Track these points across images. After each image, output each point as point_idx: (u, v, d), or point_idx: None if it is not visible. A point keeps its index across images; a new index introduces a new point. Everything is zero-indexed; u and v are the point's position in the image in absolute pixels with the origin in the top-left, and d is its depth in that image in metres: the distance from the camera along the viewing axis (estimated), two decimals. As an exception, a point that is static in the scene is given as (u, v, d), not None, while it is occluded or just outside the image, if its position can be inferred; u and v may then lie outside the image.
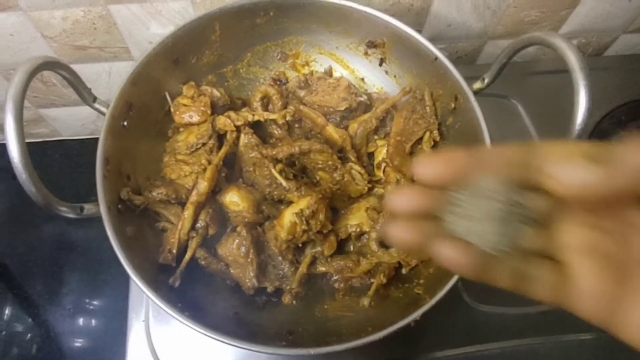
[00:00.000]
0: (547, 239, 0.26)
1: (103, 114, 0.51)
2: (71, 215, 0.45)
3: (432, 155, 0.28)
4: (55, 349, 0.81)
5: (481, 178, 0.25)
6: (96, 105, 0.52)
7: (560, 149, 0.24)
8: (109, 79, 0.76)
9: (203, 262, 0.56)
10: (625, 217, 0.24)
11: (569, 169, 0.22)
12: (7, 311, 0.84)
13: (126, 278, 0.66)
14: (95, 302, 0.84)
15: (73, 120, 0.88)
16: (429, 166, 0.26)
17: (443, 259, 0.25)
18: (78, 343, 0.81)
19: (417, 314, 0.46)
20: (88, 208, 0.46)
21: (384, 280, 0.55)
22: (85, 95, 0.51)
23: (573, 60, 0.43)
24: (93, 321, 0.82)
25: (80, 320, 0.83)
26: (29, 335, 0.82)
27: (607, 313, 0.24)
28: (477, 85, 0.54)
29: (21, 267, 0.86)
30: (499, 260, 0.25)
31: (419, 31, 0.58)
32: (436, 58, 0.55)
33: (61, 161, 0.91)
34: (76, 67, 0.51)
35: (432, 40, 0.56)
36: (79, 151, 0.93)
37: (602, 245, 0.24)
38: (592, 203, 0.24)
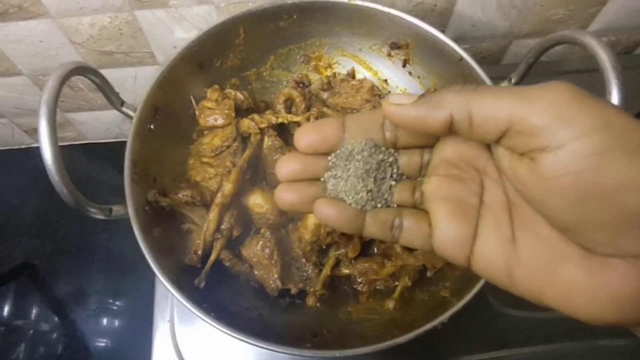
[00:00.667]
0: (415, 192, 0.29)
1: (130, 117, 0.52)
2: (100, 216, 0.46)
3: (308, 125, 0.30)
4: (81, 349, 0.82)
5: (348, 143, 0.29)
6: (124, 109, 0.52)
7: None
8: (134, 83, 0.78)
9: (227, 264, 0.56)
10: (481, 168, 0.27)
11: (394, 100, 0.26)
12: (34, 310, 0.86)
13: (151, 278, 0.67)
14: (120, 303, 0.85)
15: (99, 124, 0.90)
16: (306, 136, 0.29)
17: (321, 216, 0.28)
18: (103, 343, 0.83)
19: (444, 317, 0.45)
20: (116, 210, 0.47)
21: (409, 283, 0.54)
22: (114, 100, 0.52)
23: (605, 58, 0.41)
24: (118, 321, 0.84)
25: (106, 320, 0.84)
26: (55, 334, 0.84)
27: (463, 252, 0.27)
28: (504, 85, 0.53)
29: (49, 267, 0.88)
30: (370, 214, 0.29)
31: (443, 31, 0.57)
32: (461, 58, 0.54)
33: (87, 164, 0.93)
34: (103, 72, 0.52)
35: (456, 40, 0.56)
36: (104, 154, 0.94)
37: (456, 193, 0.27)
38: (452, 158, 0.28)
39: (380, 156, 0.29)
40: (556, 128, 0.21)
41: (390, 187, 0.29)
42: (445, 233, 0.27)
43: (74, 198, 0.41)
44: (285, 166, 0.29)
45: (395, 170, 0.29)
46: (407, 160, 0.30)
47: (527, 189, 0.24)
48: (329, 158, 0.29)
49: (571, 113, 0.21)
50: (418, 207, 0.29)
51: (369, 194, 0.29)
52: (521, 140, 0.23)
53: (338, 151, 0.29)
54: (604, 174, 0.21)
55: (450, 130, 0.25)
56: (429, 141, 0.29)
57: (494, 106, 0.23)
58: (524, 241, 0.25)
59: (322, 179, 0.29)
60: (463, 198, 0.27)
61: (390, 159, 0.29)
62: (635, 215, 0.21)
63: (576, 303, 0.23)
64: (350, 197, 0.29)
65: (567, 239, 0.24)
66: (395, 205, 0.29)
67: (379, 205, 0.29)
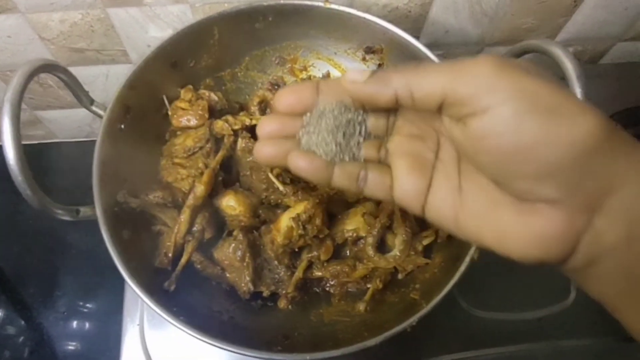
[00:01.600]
0: (380, 149, 0.32)
1: (100, 116, 0.51)
2: (67, 218, 0.45)
3: (286, 88, 0.33)
4: (49, 353, 0.80)
5: (321, 103, 0.32)
6: (94, 108, 0.51)
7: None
8: (106, 81, 0.76)
9: (199, 266, 0.55)
10: (437, 128, 0.31)
11: (350, 76, 0.30)
12: (0, 314, 0.83)
13: (121, 281, 0.65)
14: (89, 305, 0.83)
15: (69, 123, 0.88)
16: (284, 98, 0.32)
17: (293, 167, 0.31)
18: (72, 346, 0.81)
19: (413, 320, 0.46)
20: (84, 211, 0.46)
21: (380, 285, 0.55)
22: (83, 98, 0.51)
23: (570, 68, 0.43)
24: (87, 324, 0.82)
25: (74, 323, 0.82)
26: (22, 338, 0.82)
27: (419, 202, 0.31)
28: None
29: (15, 269, 0.85)
30: (339, 166, 0.32)
31: (417, 37, 0.58)
32: (434, 64, 0.55)
33: (57, 163, 0.91)
34: (73, 70, 0.51)
35: (429, 46, 0.56)
36: (75, 153, 0.92)
37: (415, 149, 0.31)
38: (414, 119, 0.32)
39: (350, 115, 0.32)
40: (481, 96, 0.25)
41: (359, 143, 0.32)
42: (404, 185, 0.31)
43: (38, 199, 0.40)
44: (266, 126, 0.33)
45: (363, 129, 0.32)
46: (375, 122, 0.33)
47: (463, 149, 0.28)
48: (304, 117, 0.32)
49: (494, 82, 0.24)
50: (383, 162, 0.33)
51: (338, 147, 0.32)
52: (455, 109, 0.26)
53: (312, 111, 0.32)
54: (521, 134, 0.24)
55: (397, 104, 0.29)
56: (391, 107, 0.32)
57: (430, 83, 0.27)
58: (467, 190, 0.29)
59: (297, 136, 0.32)
60: (421, 154, 0.31)
61: (359, 119, 0.32)
62: (549, 166, 0.24)
63: (508, 243, 0.27)
64: (320, 149, 0.32)
65: (501, 188, 0.27)
66: (362, 160, 0.32)
67: (347, 159, 0.32)
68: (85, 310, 0.83)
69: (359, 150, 0.32)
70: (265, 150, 0.32)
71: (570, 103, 0.24)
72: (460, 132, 0.27)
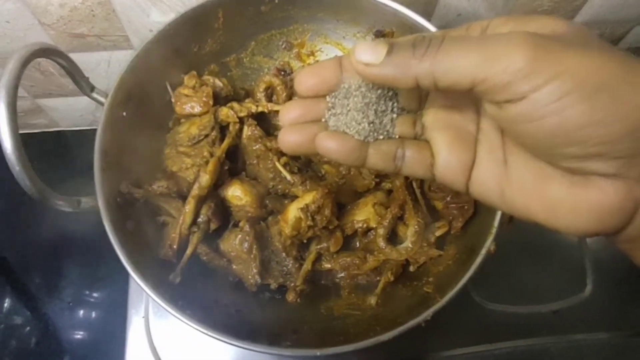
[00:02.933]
0: (415, 125, 0.30)
1: (101, 104, 0.49)
2: (68, 209, 0.43)
3: (307, 69, 0.31)
4: (54, 342, 0.80)
5: (346, 81, 0.29)
6: (94, 95, 0.50)
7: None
8: (108, 68, 0.74)
9: (205, 258, 0.54)
10: (474, 98, 0.28)
11: (361, 58, 0.26)
12: (6, 304, 0.83)
13: (126, 272, 0.64)
14: (94, 295, 0.83)
15: (71, 111, 0.87)
16: (306, 80, 0.30)
17: (323, 149, 0.29)
18: (77, 336, 0.81)
19: (427, 314, 0.44)
20: (85, 201, 0.45)
21: (392, 278, 0.53)
22: (83, 85, 0.49)
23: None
24: (92, 314, 0.81)
25: (80, 314, 0.82)
26: (28, 328, 0.82)
27: (463, 178, 0.29)
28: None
29: (20, 260, 0.85)
30: (373, 146, 0.29)
31: (429, 20, 0.56)
32: (447, 48, 0.53)
33: (60, 152, 0.90)
34: (74, 56, 0.49)
35: (441, 29, 0.54)
36: (77, 142, 0.91)
37: (455, 121, 0.29)
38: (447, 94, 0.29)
39: (379, 91, 0.29)
40: (517, 84, 0.23)
41: (392, 119, 0.30)
42: (447, 161, 0.29)
43: (37, 189, 0.39)
44: (288, 113, 0.30)
45: (395, 104, 0.30)
46: (407, 95, 0.30)
47: (501, 126, 0.27)
48: (328, 99, 0.30)
49: (531, 67, 0.22)
50: (419, 139, 0.30)
51: (371, 125, 0.29)
52: (488, 96, 0.24)
53: (336, 91, 0.30)
54: (566, 117, 0.22)
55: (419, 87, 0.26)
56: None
57: (457, 70, 0.24)
58: (513, 164, 0.27)
59: (322, 120, 0.30)
60: (462, 126, 0.29)
61: (390, 93, 0.30)
62: (600, 146, 0.23)
63: (559, 216, 0.25)
64: (352, 129, 0.29)
65: (549, 163, 0.26)
66: (397, 137, 0.30)
67: (381, 137, 0.30)
68: (90, 300, 0.82)
69: (393, 127, 0.30)
70: (290, 138, 0.30)
71: (617, 80, 0.22)
72: (496, 113, 0.25)
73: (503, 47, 0.23)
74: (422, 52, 0.25)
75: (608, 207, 0.24)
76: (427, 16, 0.68)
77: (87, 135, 0.91)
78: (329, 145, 0.29)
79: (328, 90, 0.30)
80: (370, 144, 0.29)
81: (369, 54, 0.26)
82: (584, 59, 0.22)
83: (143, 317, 0.61)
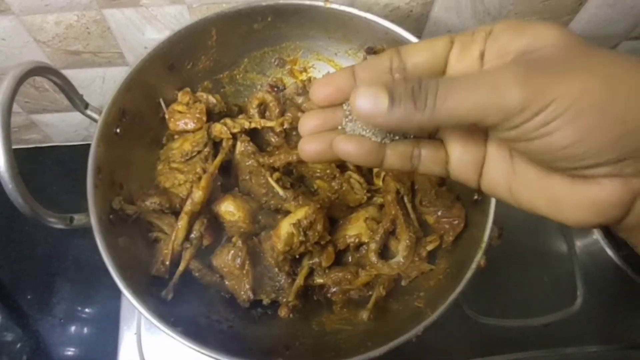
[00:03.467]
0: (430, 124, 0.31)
1: (95, 120, 0.50)
2: (60, 226, 0.43)
3: (321, 80, 0.32)
4: (45, 359, 0.79)
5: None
6: (88, 112, 0.50)
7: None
8: (102, 84, 0.75)
9: (197, 274, 0.54)
10: None
11: (365, 107, 0.27)
12: (-4, 320, 0.82)
13: (118, 288, 0.64)
14: (86, 312, 0.82)
15: (65, 126, 0.87)
16: (321, 90, 0.31)
17: (342, 152, 0.30)
18: (68, 353, 0.80)
19: (419, 329, 0.44)
20: (78, 218, 0.45)
21: (384, 293, 0.53)
22: (77, 102, 0.49)
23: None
24: (84, 331, 0.81)
25: (71, 330, 0.81)
26: (19, 344, 0.81)
27: (476, 174, 0.30)
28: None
29: (12, 276, 0.84)
30: (390, 147, 0.31)
31: (419, 37, 0.57)
32: (437, 65, 0.54)
33: (53, 168, 0.90)
34: (69, 73, 0.49)
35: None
36: (71, 158, 0.91)
37: None
38: None
39: None
40: (511, 120, 0.25)
41: None
42: (461, 158, 0.30)
43: (29, 207, 0.39)
44: (307, 122, 0.32)
45: None
46: None
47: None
48: (344, 107, 0.31)
49: (522, 106, 0.24)
50: (433, 138, 0.32)
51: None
52: (486, 126, 0.26)
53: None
54: (549, 140, 0.24)
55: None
56: None
57: (457, 117, 0.26)
58: (517, 159, 0.29)
59: (339, 127, 0.31)
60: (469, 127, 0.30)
61: None
62: (584, 160, 0.24)
63: (563, 210, 0.27)
64: (369, 132, 0.30)
65: None
66: (412, 137, 0.31)
67: (397, 138, 0.31)
68: (82, 316, 0.82)
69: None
70: (310, 147, 0.31)
71: (600, 99, 0.24)
72: (491, 132, 0.27)
73: (496, 91, 0.25)
74: (423, 105, 0.26)
75: (608, 200, 0.25)
76: (418, 33, 0.70)
77: (80, 151, 0.91)
78: (348, 148, 0.30)
79: (344, 98, 0.31)
80: (387, 145, 0.31)
81: (370, 105, 0.27)
82: (568, 86, 0.24)
83: (135, 333, 0.60)
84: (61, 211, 0.46)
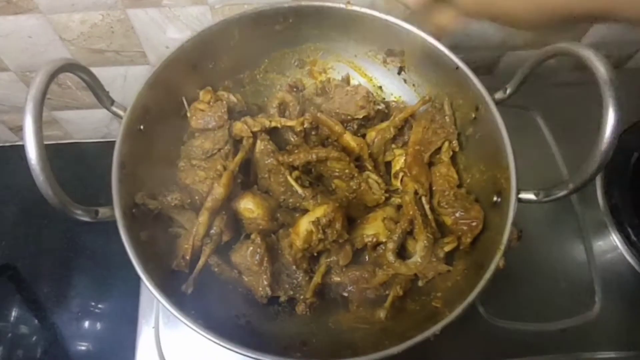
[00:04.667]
0: None
1: (120, 117, 0.51)
2: (86, 219, 0.44)
3: None
4: (61, 353, 0.80)
5: None
6: (114, 108, 0.51)
7: None
8: (124, 82, 0.76)
9: (216, 269, 0.55)
10: None
11: None
12: (14, 313, 0.83)
13: (136, 283, 0.65)
14: (103, 306, 0.83)
15: (86, 124, 0.88)
16: None
17: None
18: (85, 347, 0.81)
19: (436, 328, 0.44)
20: (103, 212, 0.46)
21: (401, 293, 0.53)
22: (104, 98, 0.50)
23: (602, 72, 0.41)
24: (101, 325, 0.82)
25: (88, 324, 0.82)
26: (35, 337, 0.82)
27: None
28: (499, 95, 0.53)
29: (30, 270, 0.86)
30: None
31: (438, 40, 0.57)
32: (457, 67, 0.54)
33: (73, 164, 0.91)
34: (92, 71, 0.50)
35: (450, 49, 0.55)
36: (91, 154, 0.93)
37: None
38: None
39: None
40: None
41: None
42: None
43: (59, 199, 0.40)
44: None
45: None
46: None
47: None
48: None
49: None
50: None
51: None
52: None
53: None
54: None
55: None
56: None
57: None
58: None
59: None
60: None
61: None
62: None
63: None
64: None
65: None
66: None
67: None
68: (99, 311, 0.83)
69: None
70: None
71: None
72: None
73: None
74: None
75: None
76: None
77: (100, 147, 0.92)
78: None
79: None
80: None
81: None
82: None
83: (153, 327, 0.61)
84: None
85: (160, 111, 0.56)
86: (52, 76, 0.41)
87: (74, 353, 0.80)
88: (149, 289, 0.45)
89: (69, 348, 0.81)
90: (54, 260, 0.86)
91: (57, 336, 0.81)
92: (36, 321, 0.83)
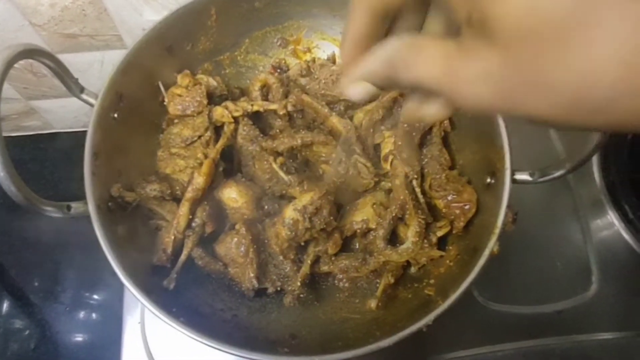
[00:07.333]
0: None
1: (91, 105, 0.48)
2: (57, 215, 0.42)
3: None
4: (52, 346, 0.79)
5: None
6: (84, 96, 0.48)
7: None
8: (101, 68, 0.73)
9: (200, 262, 0.53)
10: None
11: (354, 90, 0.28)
12: (4, 308, 0.82)
13: (122, 276, 0.64)
14: (91, 299, 0.82)
15: (65, 113, 0.85)
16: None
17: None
18: (75, 340, 0.80)
19: (429, 318, 0.43)
20: (75, 207, 0.44)
21: (392, 281, 0.52)
22: (72, 86, 0.48)
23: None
24: (90, 318, 0.81)
25: (77, 318, 0.81)
26: (27, 332, 0.81)
27: None
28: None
29: (17, 264, 0.84)
30: None
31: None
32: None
33: (55, 155, 0.89)
34: (67, 57, 0.48)
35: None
36: (72, 144, 0.90)
37: None
38: None
39: None
40: None
41: None
42: None
43: (23, 196, 0.38)
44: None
45: None
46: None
47: None
48: None
49: None
50: None
51: None
52: None
53: None
54: None
55: None
56: None
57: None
58: None
59: None
60: None
61: None
62: None
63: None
64: None
65: None
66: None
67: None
68: (87, 304, 0.82)
69: None
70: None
71: None
72: None
73: None
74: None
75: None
76: (426, 10, 0.67)
77: (81, 137, 0.89)
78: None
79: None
80: None
81: (358, 90, 0.28)
82: None
83: (139, 322, 0.60)
84: (63, 199, 0.45)
85: (135, 98, 0.53)
86: (10, 63, 0.38)
87: (65, 346, 0.79)
88: (127, 287, 0.43)
89: (59, 341, 0.80)
90: (41, 254, 0.84)
91: (47, 330, 0.81)
92: (27, 316, 0.82)
